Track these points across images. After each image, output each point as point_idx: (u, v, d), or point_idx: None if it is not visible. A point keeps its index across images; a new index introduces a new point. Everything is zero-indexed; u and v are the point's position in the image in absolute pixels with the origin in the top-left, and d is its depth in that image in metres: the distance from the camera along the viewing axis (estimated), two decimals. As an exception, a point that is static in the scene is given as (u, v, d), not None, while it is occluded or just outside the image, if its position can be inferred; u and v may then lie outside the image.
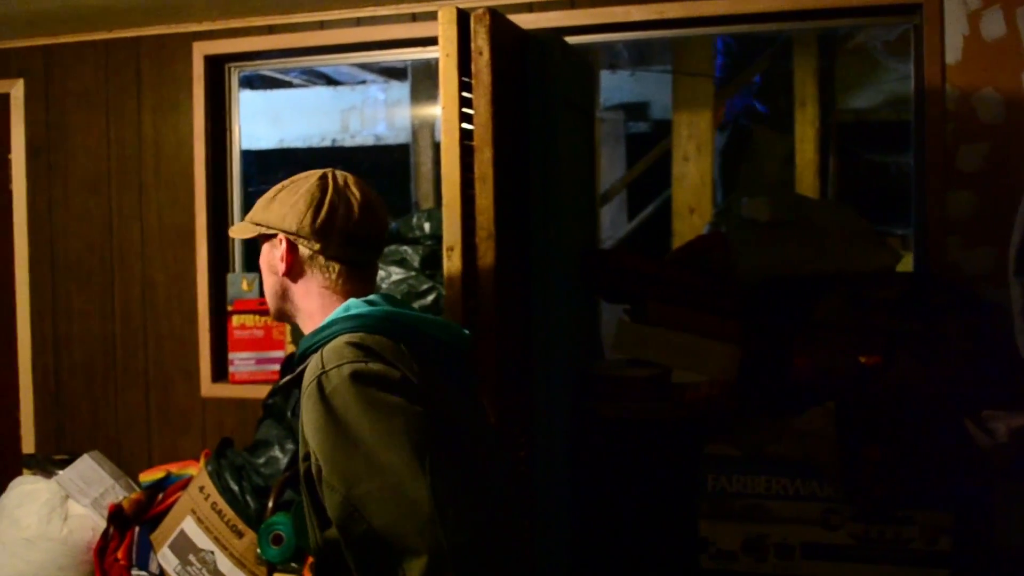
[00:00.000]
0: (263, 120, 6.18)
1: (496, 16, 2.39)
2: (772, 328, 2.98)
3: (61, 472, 3.77)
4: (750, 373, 2.95)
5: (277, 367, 3.70)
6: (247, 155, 4.12)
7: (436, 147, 5.45)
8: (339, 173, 2.01)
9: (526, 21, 3.31)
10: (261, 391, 3.64)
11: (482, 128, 2.35)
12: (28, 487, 3.78)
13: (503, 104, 2.43)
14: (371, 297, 1.91)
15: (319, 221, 1.93)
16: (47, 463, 3.89)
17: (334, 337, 1.82)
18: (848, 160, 4.64)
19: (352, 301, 1.90)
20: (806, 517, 2.64)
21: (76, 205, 4.09)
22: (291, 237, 1.94)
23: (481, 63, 2.34)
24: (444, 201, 2.36)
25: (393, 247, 3.11)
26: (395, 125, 6.43)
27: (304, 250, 1.95)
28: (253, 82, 4.14)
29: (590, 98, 3.37)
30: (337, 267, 1.95)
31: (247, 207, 4.08)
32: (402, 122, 6.27)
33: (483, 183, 2.35)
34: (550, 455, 2.73)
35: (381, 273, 2.97)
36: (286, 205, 1.97)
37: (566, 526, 2.87)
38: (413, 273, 2.97)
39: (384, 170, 6.37)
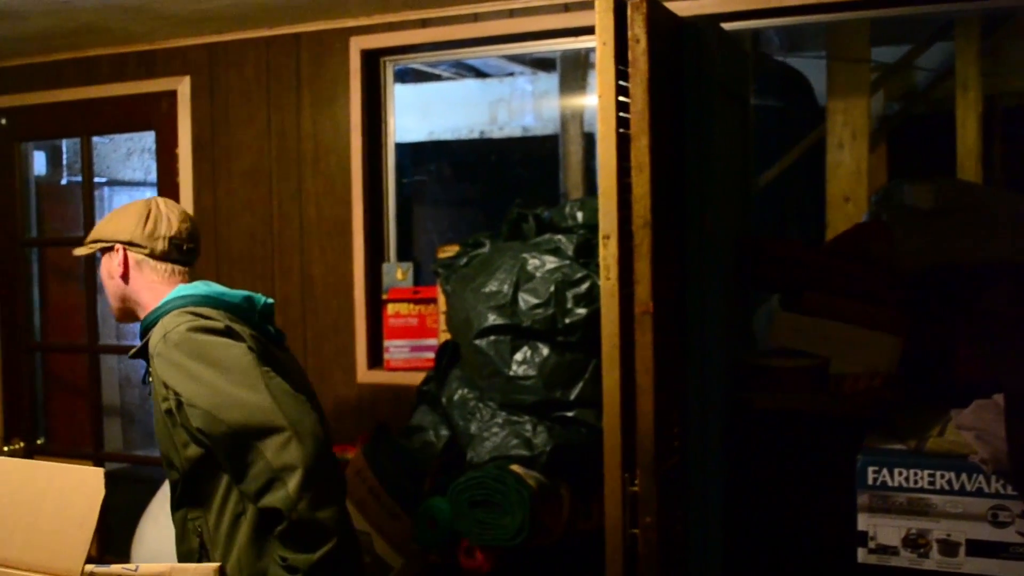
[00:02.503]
0: (413, 113, 6.29)
1: (653, 3, 2.38)
2: (935, 318, 2.89)
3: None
4: (912, 364, 2.87)
5: (431, 355, 3.77)
6: (399, 148, 4.20)
7: (585, 137, 5.46)
8: (159, 199, 2.65)
9: (681, 8, 3.29)
10: (415, 378, 3.70)
11: (638, 116, 2.34)
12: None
13: (659, 92, 2.42)
14: (195, 283, 2.52)
15: (147, 230, 2.55)
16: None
17: (169, 312, 2.41)
18: (1013, 146, 4.47)
19: (180, 287, 2.52)
20: (972, 513, 2.56)
21: (238, 197, 4.24)
22: (126, 246, 2.56)
23: (638, 51, 2.34)
24: (600, 190, 2.37)
25: (547, 236, 3.12)
26: (543, 116, 6.46)
27: (137, 255, 2.56)
28: (403, 76, 4.22)
29: (745, 85, 3.33)
30: (165, 266, 2.58)
31: (401, 198, 4.18)
32: (550, 113, 6.29)
33: (639, 171, 2.34)
34: (704, 448, 2.71)
35: (535, 262, 2.99)
36: (119, 222, 2.58)
37: (720, 518, 2.85)
38: (567, 262, 2.98)
39: (532, 161, 6.42)
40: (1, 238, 4.84)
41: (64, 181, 6.12)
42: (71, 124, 4.68)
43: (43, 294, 5.03)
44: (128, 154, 6.27)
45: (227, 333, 2.34)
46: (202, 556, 2.35)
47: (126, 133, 5.43)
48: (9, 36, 4.16)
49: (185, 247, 2.60)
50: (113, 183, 6.47)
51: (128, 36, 4.23)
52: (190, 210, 4.28)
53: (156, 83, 4.37)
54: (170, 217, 2.59)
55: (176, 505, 2.45)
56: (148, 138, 5.54)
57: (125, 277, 2.58)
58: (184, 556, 2.41)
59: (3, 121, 4.77)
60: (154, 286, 2.56)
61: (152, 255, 2.56)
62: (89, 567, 1.48)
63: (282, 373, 2.35)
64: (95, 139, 4.84)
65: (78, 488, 1.52)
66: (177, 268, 2.59)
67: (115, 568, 1.50)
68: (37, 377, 4.88)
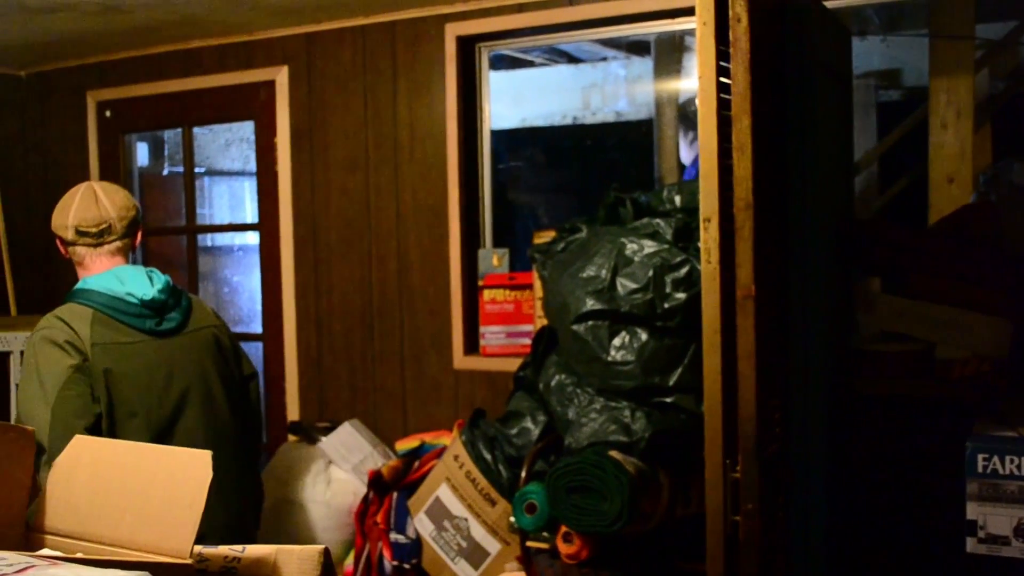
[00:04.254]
0: (506, 100, 6.28)
1: (754, -18, 2.34)
2: (1048, 301, 2.81)
3: (324, 439, 3.97)
4: (1023, 349, 2.79)
5: (527, 341, 3.77)
6: (493, 135, 4.20)
7: (680, 121, 5.40)
8: (94, 183, 2.97)
9: (779, -12, 3.23)
10: (511, 364, 3.71)
11: (740, 97, 2.30)
12: (294, 452, 4.01)
13: (760, 72, 2.37)
14: (98, 276, 2.83)
15: (56, 220, 2.89)
16: (311, 430, 4.10)
17: (64, 303, 2.82)
18: None
19: (85, 278, 2.86)
20: (1088, 502, 2.48)
21: (336, 185, 4.28)
22: (56, 234, 2.91)
23: (739, 30, 2.29)
24: (701, 172, 2.33)
25: (644, 220, 3.10)
26: (636, 101, 6.41)
27: (61, 243, 2.91)
28: (496, 63, 4.21)
29: (847, 64, 3.26)
30: (77, 250, 2.89)
31: (496, 185, 4.18)
32: (643, 98, 6.24)
33: (741, 153, 2.30)
34: (806, 434, 2.67)
35: (633, 246, 2.97)
36: (55, 213, 2.91)
37: (823, 506, 2.80)
38: (666, 246, 2.95)
39: (625, 146, 6.37)
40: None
41: (166, 172, 6.25)
42: (173, 115, 4.78)
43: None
44: (227, 144, 6.37)
45: (62, 346, 2.70)
46: None
47: (226, 123, 5.52)
48: (113, 30, 4.25)
49: (84, 231, 2.86)
50: (212, 173, 6.59)
51: (227, 28, 4.29)
52: (287, 197, 4.34)
53: (255, 73, 4.44)
54: (72, 203, 2.90)
55: None
56: (247, 128, 5.62)
57: (70, 262, 2.96)
58: None
59: (108, 113, 4.88)
60: (79, 270, 2.93)
61: (64, 242, 2.91)
62: (197, 548, 1.50)
63: (137, 370, 2.77)
64: (195, 130, 4.93)
65: (185, 470, 1.54)
66: (90, 250, 2.89)
67: (222, 549, 1.52)
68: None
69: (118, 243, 2.91)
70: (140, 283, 2.85)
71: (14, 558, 1.19)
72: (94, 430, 2.64)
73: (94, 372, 2.70)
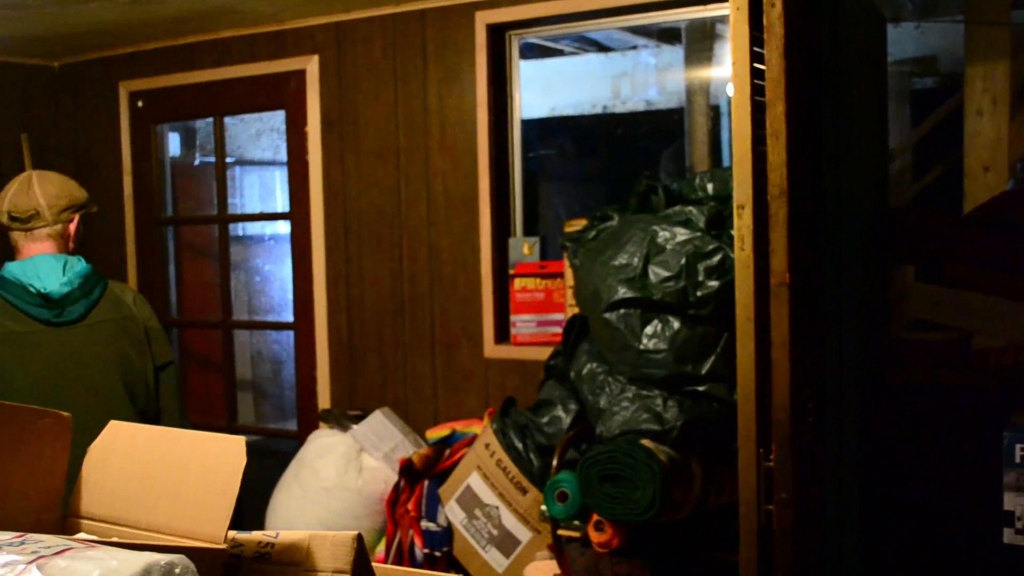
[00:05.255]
0: (535, 89, 6.27)
1: (788, -34, 2.32)
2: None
3: (355, 426, 3.98)
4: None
5: (558, 329, 3.76)
6: (523, 124, 4.19)
7: (711, 110, 5.37)
8: (33, 172, 3.19)
9: (813, -27, 3.20)
10: (542, 353, 3.70)
11: (774, 82, 2.28)
12: (326, 440, 4.02)
13: (795, 57, 2.35)
14: (24, 260, 3.01)
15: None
16: (342, 418, 4.12)
17: None
18: None
19: (7, 265, 3.02)
20: None
21: (366, 174, 4.29)
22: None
23: (773, 15, 2.27)
24: (734, 159, 2.32)
25: (677, 208, 3.08)
26: (666, 89, 6.39)
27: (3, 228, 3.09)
28: (525, 52, 4.20)
29: (882, 50, 3.23)
30: (12, 235, 3.07)
31: (528, 174, 4.17)
32: (673, 86, 6.22)
33: (775, 139, 2.28)
34: (840, 423, 2.65)
35: (665, 234, 2.95)
36: None
37: (857, 496, 2.78)
38: (698, 234, 2.93)
39: (655, 135, 6.35)
40: (139, 218, 4.98)
41: (197, 162, 6.28)
42: (204, 105, 4.80)
43: (178, 271, 5.18)
44: (257, 134, 6.40)
45: None
46: None
47: (257, 113, 5.54)
48: (145, 20, 4.27)
49: (15, 216, 3.05)
50: (243, 162, 6.62)
51: (257, 17, 4.30)
52: (318, 186, 4.35)
53: (285, 63, 4.44)
54: (9, 190, 3.10)
55: None
56: (277, 117, 5.64)
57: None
58: None
59: (140, 104, 4.91)
60: (16, 255, 3.09)
61: (5, 229, 3.10)
62: (232, 533, 1.50)
63: (28, 358, 2.94)
64: (226, 119, 4.95)
65: (220, 456, 1.54)
66: (22, 235, 3.07)
67: (256, 534, 1.52)
68: (174, 353, 5.03)
69: (47, 230, 3.07)
70: (48, 274, 3.01)
71: (52, 540, 1.20)
72: None
73: None
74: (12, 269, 3.00)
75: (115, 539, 1.41)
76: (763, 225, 2.31)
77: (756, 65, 2.32)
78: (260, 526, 3.91)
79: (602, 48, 6.36)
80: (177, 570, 1.15)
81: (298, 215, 4.50)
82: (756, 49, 2.32)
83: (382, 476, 3.84)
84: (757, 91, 2.32)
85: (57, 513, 1.60)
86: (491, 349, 4.03)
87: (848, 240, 2.64)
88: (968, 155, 4.23)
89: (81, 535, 1.52)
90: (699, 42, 5.38)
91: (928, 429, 2.87)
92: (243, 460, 1.52)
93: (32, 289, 2.96)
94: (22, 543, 1.18)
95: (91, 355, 3.05)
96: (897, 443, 2.90)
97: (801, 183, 2.41)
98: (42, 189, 3.08)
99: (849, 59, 2.60)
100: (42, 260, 3.01)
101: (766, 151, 2.30)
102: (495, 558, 3.36)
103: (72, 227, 3.12)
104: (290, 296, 4.68)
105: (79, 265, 3.07)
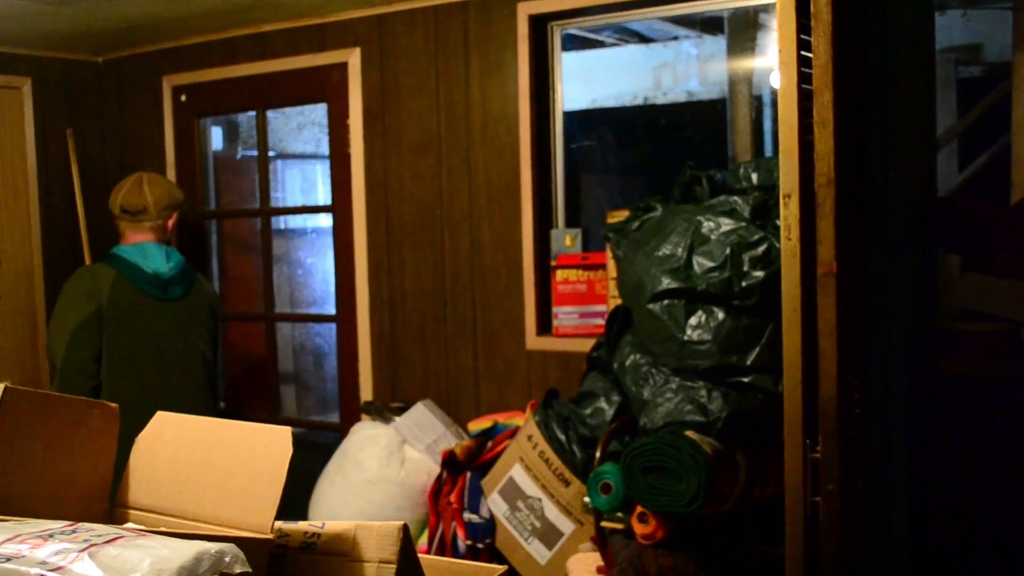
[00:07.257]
0: (576, 80, 6.25)
1: (834, -48, 2.29)
2: None
3: (398, 419, 3.99)
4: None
5: (600, 321, 3.75)
6: (564, 115, 4.17)
7: (754, 100, 5.33)
8: (144, 174, 4.05)
9: (858, -40, 3.16)
10: (584, 344, 3.69)
11: (821, 70, 2.25)
12: (368, 432, 4.03)
13: (843, 44, 2.33)
14: (127, 247, 3.87)
15: (111, 199, 3.98)
16: (384, 410, 4.13)
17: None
18: None
19: (119, 246, 3.88)
20: None
21: (408, 166, 4.29)
22: (109, 209, 4.00)
23: (821, 2, 2.25)
24: (781, 147, 2.30)
25: (722, 197, 3.05)
26: (708, 80, 6.34)
27: (112, 217, 3.98)
28: (566, 43, 4.18)
29: (930, 37, 3.18)
30: (119, 224, 3.95)
31: (569, 165, 4.16)
32: (715, 77, 6.17)
33: (822, 127, 2.26)
34: (888, 414, 2.62)
35: (710, 224, 2.93)
36: (111, 192, 4.00)
37: (905, 488, 2.75)
38: (743, 223, 2.91)
39: (697, 126, 6.31)
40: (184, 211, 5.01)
41: (239, 155, 6.31)
42: (247, 99, 4.82)
43: (221, 265, 5.21)
44: (299, 127, 6.42)
45: (81, 290, 3.73)
46: None
47: (299, 106, 5.56)
48: (188, 15, 4.30)
49: (127, 211, 3.91)
50: (284, 156, 6.64)
51: (299, 10, 4.32)
52: (360, 179, 4.36)
53: (327, 56, 4.45)
54: (123, 188, 3.97)
55: None
56: (319, 111, 5.66)
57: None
58: None
59: (183, 98, 4.94)
60: (121, 239, 3.97)
61: (115, 219, 3.98)
62: (278, 523, 1.51)
63: (135, 321, 3.77)
64: (268, 113, 4.97)
65: (267, 447, 1.55)
66: (129, 226, 3.93)
67: (303, 524, 1.53)
68: (218, 345, 5.07)
69: (150, 223, 3.91)
70: (157, 259, 3.85)
71: (103, 529, 1.21)
72: (97, 360, 3.69)
73: (105, 317, 3.70)
74: (125, 251, 3.82)
75: (163, 529, 1.42)
76: (810, 214, 2.29)
77: (803, 53, 2.30)
78: (303, 518, 3.93)
79: (643, 39, 6.31)
80: (227, 559, 1.15)
81: (340, 208, 4.52)
82: (803, 37, 2.30)
83: (424, 468, 3.85)
84: (804, 79, 2.30)
85: (105, 503, 1.62)
86: (533, 341, 4.02)
87: (895, 229, 2.61)
88: (1016, 144, 4.16)
89: (130, 525, 1.53)
90: (742, 32, 5.33)
91: (978, 421, 2.83)
92: (289, 450, 1.52)
93: (148, 270, 3.78)
94: (74, 531, 1.19)
95: (186, 328, 3.92)
96: (948, 435, 2.87)
97: (848, 171, 2.38)
98: (150, 189, 3.91)
99: (897, 46, 2.57)
100: (150, 247, 3.85)
101: (813, 140, 2.28)
102: (538, 550, 3.36)
103: (170, 223, 3.99)
104: (332, 289, 4.69)
105: (177, 255, 3.94)
